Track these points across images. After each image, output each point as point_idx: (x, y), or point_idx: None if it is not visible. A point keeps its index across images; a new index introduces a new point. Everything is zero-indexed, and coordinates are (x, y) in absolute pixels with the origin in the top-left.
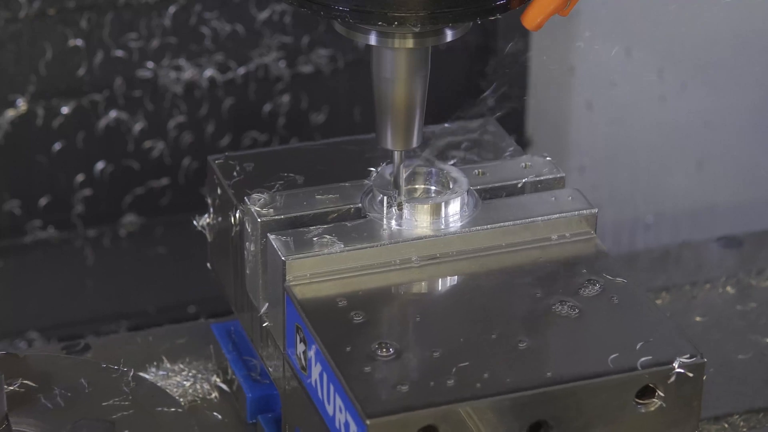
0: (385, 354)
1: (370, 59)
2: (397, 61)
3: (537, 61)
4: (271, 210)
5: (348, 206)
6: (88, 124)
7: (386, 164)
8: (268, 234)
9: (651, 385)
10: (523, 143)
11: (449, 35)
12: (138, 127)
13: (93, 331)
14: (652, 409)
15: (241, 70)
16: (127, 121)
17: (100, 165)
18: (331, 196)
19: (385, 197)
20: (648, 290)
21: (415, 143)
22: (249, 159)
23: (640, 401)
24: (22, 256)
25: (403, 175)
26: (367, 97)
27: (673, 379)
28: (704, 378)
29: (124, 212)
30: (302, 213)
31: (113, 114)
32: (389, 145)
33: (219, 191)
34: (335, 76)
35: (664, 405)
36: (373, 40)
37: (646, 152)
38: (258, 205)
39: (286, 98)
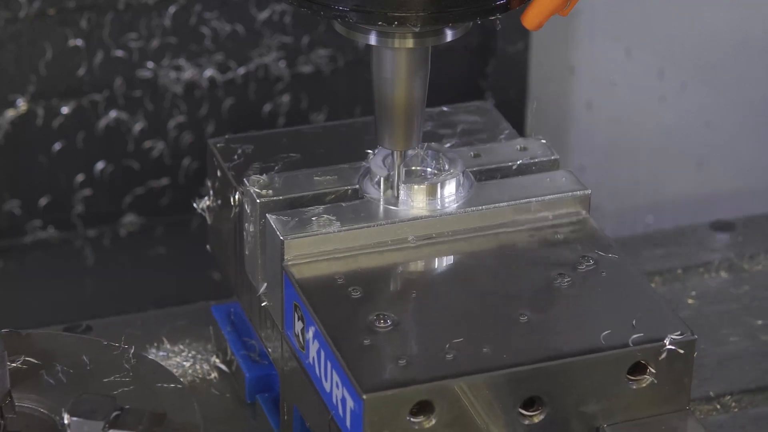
0: (383, 325)
1: (370, 59)
2: (397, 61)
3: (537, 61)
4: (270, 191)
5: (346, 187)
6: (88, 124)
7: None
8: (267, 214)
9: (642, 361)
10: None
11: (449, 35)
12: (138, 127)
13: None
14: (644, 385)
15: (241, 70)
16: (127, 121)
17: (100, 165)
18: (329, 177)
19: (382, 178)
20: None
21: (414, 143)
22: (248, 141)
23: (632, 378)
24: (22, 256)
25: (402, 175)
26: (367, 97)
27: (664, 355)
28: (695, 355)
29: (124, 212)
30: (301, 194)
31: (113, 114)
32: (389, 145)
33: (219, 173)
34: (335, 76)
35: (656, 381)
36: (373, 40)
37: (646, 152)
38: (257, 186)
39: (286, 98)
